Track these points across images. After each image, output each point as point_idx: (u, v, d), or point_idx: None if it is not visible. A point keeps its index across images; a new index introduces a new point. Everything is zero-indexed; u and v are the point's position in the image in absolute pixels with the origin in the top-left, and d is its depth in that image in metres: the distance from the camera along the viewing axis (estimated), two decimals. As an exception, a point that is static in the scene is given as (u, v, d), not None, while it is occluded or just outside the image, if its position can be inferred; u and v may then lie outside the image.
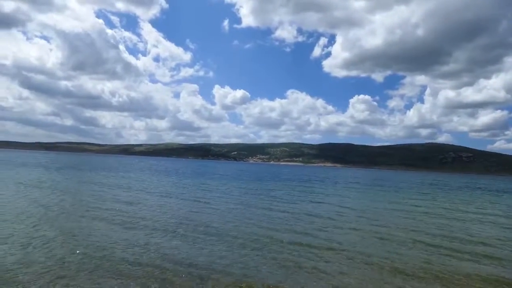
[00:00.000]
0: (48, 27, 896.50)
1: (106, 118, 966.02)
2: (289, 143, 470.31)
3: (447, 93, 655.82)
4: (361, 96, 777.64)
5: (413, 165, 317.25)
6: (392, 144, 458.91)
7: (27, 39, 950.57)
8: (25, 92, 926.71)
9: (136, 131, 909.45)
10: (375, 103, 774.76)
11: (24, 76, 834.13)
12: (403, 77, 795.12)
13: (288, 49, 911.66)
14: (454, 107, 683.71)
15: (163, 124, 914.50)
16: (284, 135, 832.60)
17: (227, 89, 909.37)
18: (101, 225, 11.92)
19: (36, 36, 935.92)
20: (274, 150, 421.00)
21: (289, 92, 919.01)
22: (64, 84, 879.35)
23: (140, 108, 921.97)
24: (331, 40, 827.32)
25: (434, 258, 10.22)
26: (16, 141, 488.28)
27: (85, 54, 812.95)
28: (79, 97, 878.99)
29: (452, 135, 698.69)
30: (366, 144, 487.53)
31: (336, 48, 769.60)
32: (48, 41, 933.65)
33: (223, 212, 16.31)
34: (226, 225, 13.13)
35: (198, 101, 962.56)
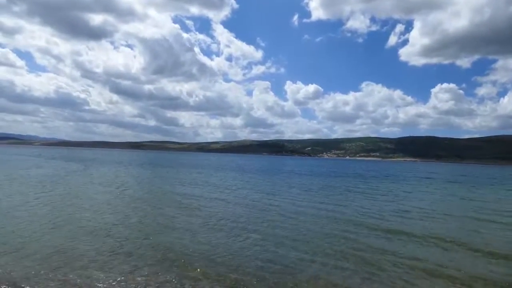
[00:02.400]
0: (132, 35, 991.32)
1: (185, 118, 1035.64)
2: (365, 137, 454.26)
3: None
4: (445, 84, 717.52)
5: (509, 158, 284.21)
6: (483, 136, 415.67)
7: (114, 48, 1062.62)
8: (115, 97, 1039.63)
9: (212, 129, 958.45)
10: (461, 91, 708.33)
11: (113, 82, 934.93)
12: (495, 60, 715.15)
13: (360, 40, 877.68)
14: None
15: (237, 121, 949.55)
16: (360, 129, 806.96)
17: (299, 84, 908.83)
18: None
19: (122, 45, 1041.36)
20: (349, 145, 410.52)
21: (363, 84, 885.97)
22: (147, 87, 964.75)
23: (216, 107, 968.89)
24: (408, 26, 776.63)
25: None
26: (110, 141, 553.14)
27: (164, 59, 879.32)
28: (160, 99, 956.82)
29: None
30: (452, 136, 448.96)
31: (414, 35, 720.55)
32: (132, 49, 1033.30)
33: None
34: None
35: (271, 97, 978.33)
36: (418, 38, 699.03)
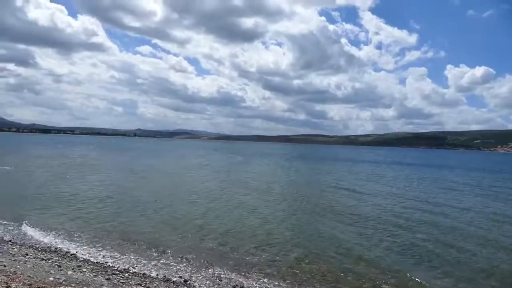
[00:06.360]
0: (281, 34, 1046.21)
1: (334, 111, 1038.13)
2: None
3: None
4: None
5: None
6: None
7: (265, 47, 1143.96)
8: (267, 93, 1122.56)
9: (362, 122, 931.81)
10: None
11: (265, 79, 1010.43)
12: None
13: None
14: None
15: (389, 113, 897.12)
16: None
17: (463, 68, 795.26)
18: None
19: (272, 44, 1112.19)
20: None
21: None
22: (296, 82, 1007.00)
23: (365, 98, 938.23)
24: None
25: None
26: (264, 135, 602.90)
27: (312, 53, 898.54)
28: (309, 93, 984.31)
29: None
30: None
31: None
32: (281, 46, 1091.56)
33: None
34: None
35: (427, 85, 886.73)
36: None
